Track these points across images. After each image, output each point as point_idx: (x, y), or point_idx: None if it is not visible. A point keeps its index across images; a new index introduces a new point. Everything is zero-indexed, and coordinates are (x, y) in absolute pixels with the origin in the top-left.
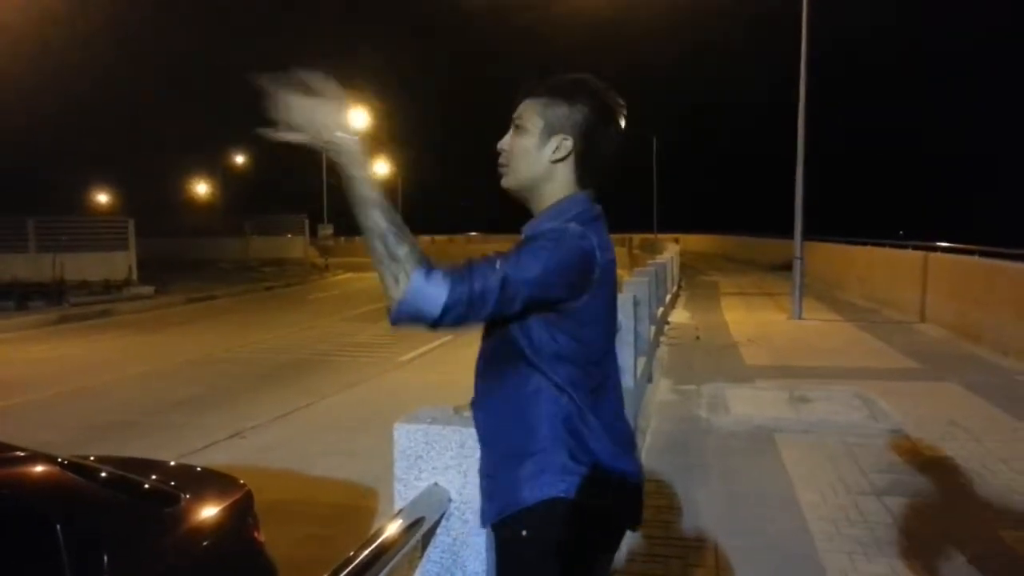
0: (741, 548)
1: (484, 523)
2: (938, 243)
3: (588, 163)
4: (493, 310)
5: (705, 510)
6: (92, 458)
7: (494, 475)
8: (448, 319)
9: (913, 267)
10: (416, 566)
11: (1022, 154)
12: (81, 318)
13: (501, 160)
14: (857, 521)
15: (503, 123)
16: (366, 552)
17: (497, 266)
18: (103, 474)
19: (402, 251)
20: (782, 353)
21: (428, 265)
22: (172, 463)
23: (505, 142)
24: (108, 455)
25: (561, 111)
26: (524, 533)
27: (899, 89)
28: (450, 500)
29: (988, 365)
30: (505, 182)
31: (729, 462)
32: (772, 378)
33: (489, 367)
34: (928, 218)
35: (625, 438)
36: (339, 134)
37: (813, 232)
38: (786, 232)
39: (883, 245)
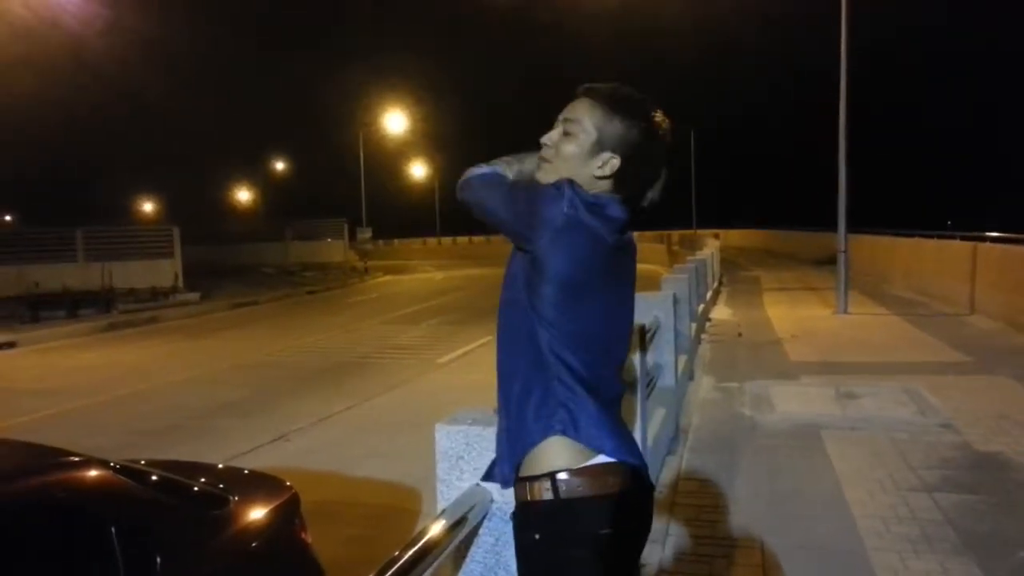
0: (788, 547)
1: (505, 483)
2: (987, 233)
3: (628, 184)
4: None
5: (750, 509)
6: (143, 462)
7: (509, 422)
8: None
9: (961, 258)
10: (460, 566)
11: None
12: (129, 325)
13: (543, 154)
14: (906, 518)
15: (540, 124)
16: (411, 552)
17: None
18: (154, 477)
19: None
20: (827, 349)
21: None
22: (220, 466)
23: (551, 138)
24: (157, 459)
25: (616, 128)
26: (536, 537)
27: (944, 78)
28: (492, 500)
29: None
30: (541, 176)
31: (774, 460)
32: (817, 374)
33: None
34: (977, 209)
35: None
36: None
37: (857, 225)
38: (829, 225)
39: (930, 236)
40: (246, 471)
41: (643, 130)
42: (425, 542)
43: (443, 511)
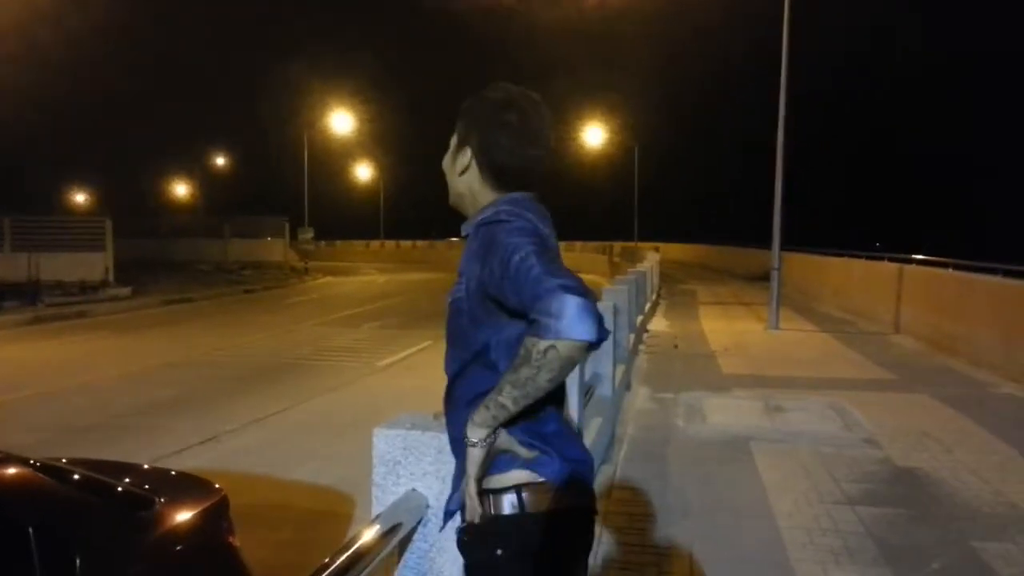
0: (716, 556)
1: (451, 507)
2: (913, 255)
3: (492, 171)
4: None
5: (680, 518)
6: (64, 460)
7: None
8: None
9: (888, 279)
10: (393, 571)
11: (1001, 165)
12: (56, 319)
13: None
14: (830, 530)
15: None
16: (343, 557)
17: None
18: (76, 477)
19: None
20: (758, 363)
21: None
22: (146, 466)
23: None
24: (81, 457)
25: (462, 124)
26: (499, 552)
27: (877, 98)
28: (428, 506)
29: (961, 377)
30: (452, 200)
31: (705, 470)
32: (748, 387)
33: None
34: (905, 231)
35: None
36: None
37: (791, 243)
38: (764, 242)
39: (859, 257)
40: (173, 472)
41: (482, 116)
42: (358, 547)
43: (377, 516)
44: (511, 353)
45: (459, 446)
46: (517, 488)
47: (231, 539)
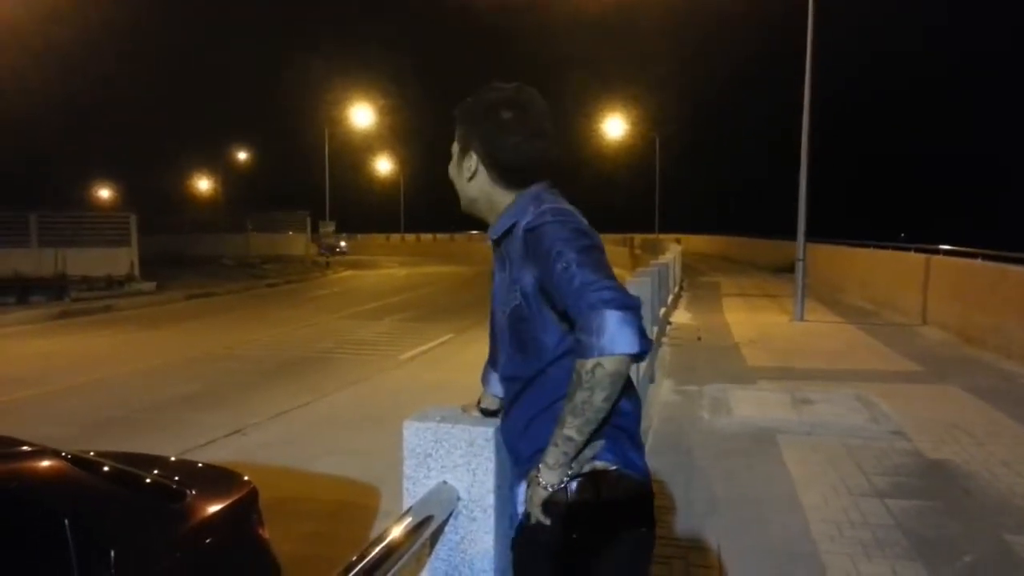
0: (743, 549)
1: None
2: (940, 246)
3: (501, 171)
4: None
5: (708, 511)
6: (92, 454)
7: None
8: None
9: (915, 270)
10: (424, 564)
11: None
12: (82, 313)
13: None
14: (858, 523)
15: None
16: (376, 550)
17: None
18: (109, 469)
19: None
20: (784, 355)
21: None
22: (176, 459)
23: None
24: (110, 451)
25: (461, 130)
26: (574, 536)
27: (904, 91)
28: (459, 498)
29: (990, 368)
30: (465, 205)
31: (731, 463)
32: (774, 379)
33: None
34: (931, 221)
35: None
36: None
37: (815, 234)
38: (788, 234)
39: (886, 248)
40: (203, 465)
41: (482, 118)
42: (391, 540)
43: (409, 508)
44: None
45: (528, 448)
46: (593, 475)
47: (261, 531)
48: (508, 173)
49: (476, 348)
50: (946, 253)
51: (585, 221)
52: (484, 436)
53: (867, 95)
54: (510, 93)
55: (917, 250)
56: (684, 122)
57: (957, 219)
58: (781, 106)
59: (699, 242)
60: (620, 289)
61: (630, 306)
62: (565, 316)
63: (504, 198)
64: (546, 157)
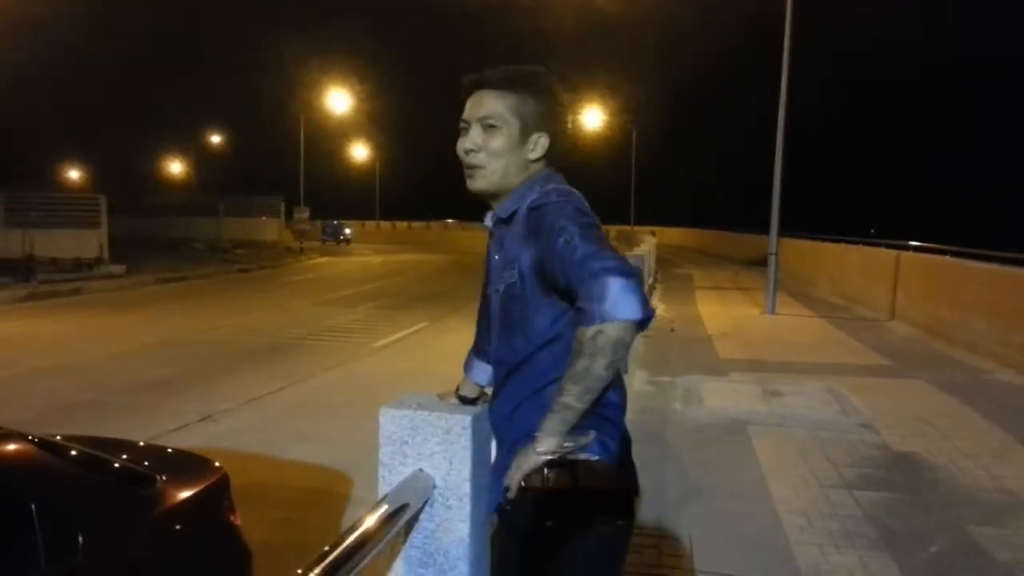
0: (714, 539)
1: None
2: (910, 242)
3: (555, 155)
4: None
5: (679, 501)
6: (59, 438)
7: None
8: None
9: (885, 265)
10: (399, 552)
11: (995, 155)
12: (50, 296)
13: (473, 161)
14: (828, 514)
15: None
16: (351, 539)
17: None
18: (77, 454)
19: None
20: (755, 347)
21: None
22: (146, 444)
23: (475, 143)
24: (78, 435)
25: (534, 108)
26: (548, 524)
27: (875, 88)
28: (434, 486)
29: (956, 363)
30: (477, 184)
31: (703, 454)
32: (745, 371)
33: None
34: (900, 217)
35: None
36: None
37: (787, 228)
38: (760, 228)
39: (855, 243)
40: (173, 450)
41: (554, 101)
42: (365, 529)
43: (384, 496)
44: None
45: (512, 434)
46: (572, 464)
47: (232, 518)
48: (558, 155)
49: (450, 336)
50: (915, 250)
51: (587, 204)
52: (461, 424)
53: (844, 90)
54: (554, 78)
55: (888, 246)
56: (662, 113)
57: (929, 217)
58: (758, 99)
59: (674, 235)
60: (622, 258)
61: (632, 273)
62: (565, 294)
63: (520, 178)
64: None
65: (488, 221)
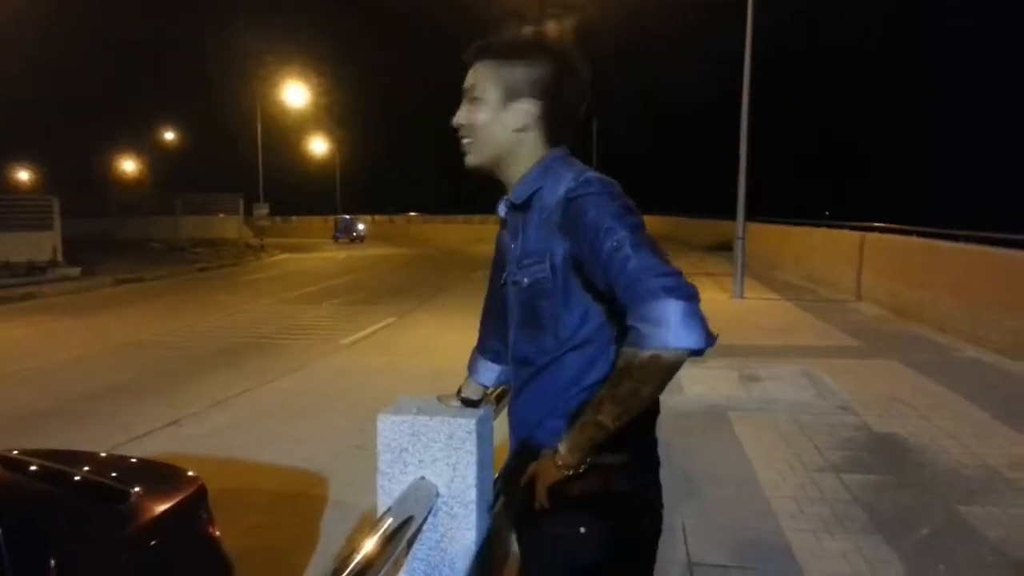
0: (707, 527)
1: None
2: (874, 224)
3: (555, 120)
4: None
5: (668, 490)
6: (16, 452)
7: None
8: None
9: (850, 247)
10: (401, 565)
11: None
12: (3, 301)
13: (460, 136)
14: (817, 499)
15: (450, 100)
16: (357, 560)
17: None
18: (44, 469)
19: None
20: (727, 332)
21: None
22: (116, 455)
23: (461, 116)
24: (38, 448)
25: (518, 72)
26: (583, 530)
27: (837, 73)
28: (438, 495)
29: (926, 342)
30: (470, 160)
31: (687, 441)
32: (720, 357)
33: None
34: (858, 201)
35: None
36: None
37: (750, 213)
38: (721, 214)
39: (819, 226)
40: (143, 461)
41: (548, 60)
42: (370, 548)
43: (388, 509)
44: (610, 345)
45: (540, 438)
46: (604, 469)
47: (211, 530)
48: (558, 129)
49: (419, 331)
50: (880, 230)
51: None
52: (465, 428)
53: (810, 73)
54: (565, 46)
55: (852, 228)
56: (622, 99)
57: (886, 199)
58: (721, 82)
59: None
60: (682, 276)
61: (694, 295)
62: (601, 296)
63: (533, 157)
64: (580, 118)
65: (501, 210)
